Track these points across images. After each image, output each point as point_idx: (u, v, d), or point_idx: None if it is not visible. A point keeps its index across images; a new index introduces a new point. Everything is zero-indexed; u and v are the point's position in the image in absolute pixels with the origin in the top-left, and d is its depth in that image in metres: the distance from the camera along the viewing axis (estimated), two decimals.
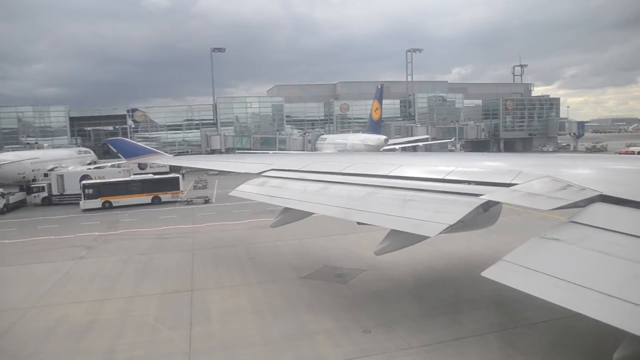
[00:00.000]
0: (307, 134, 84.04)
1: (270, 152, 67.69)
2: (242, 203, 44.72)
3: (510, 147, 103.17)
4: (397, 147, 70.89)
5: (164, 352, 14.61)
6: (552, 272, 8.10)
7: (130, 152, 36.22)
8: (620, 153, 63.58)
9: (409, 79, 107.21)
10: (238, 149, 79.40)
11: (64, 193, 49.46)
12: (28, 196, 50.47)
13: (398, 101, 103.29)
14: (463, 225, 11.83)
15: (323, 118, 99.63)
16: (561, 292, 7.71)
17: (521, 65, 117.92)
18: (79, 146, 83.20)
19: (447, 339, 14.35)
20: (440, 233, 11.17)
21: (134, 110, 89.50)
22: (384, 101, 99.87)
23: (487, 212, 12.27)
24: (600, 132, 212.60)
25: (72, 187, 48.28)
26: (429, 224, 11.48)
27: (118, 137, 66.46)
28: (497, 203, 11.99)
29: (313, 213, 16.48)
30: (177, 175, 49.34)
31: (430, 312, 16.44)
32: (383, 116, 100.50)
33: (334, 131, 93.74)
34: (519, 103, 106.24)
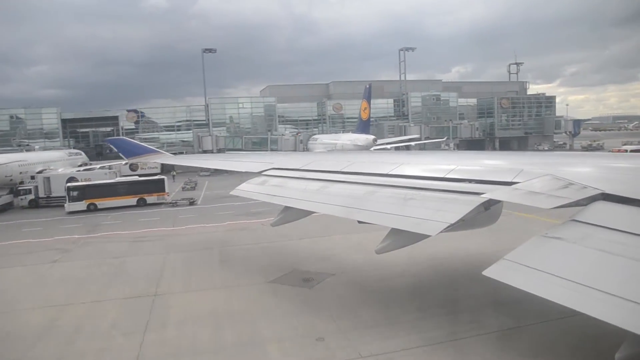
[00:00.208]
0: (299, 134, 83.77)
1: (261, 153, 67.47)
2: (226, 205, 44.80)
3: (505, 146, 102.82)
4: (388, 146, 70.62)
5: None
6: (554, 271, 8.03)
7: (131, 151, 36.19)
8: (612, 151, 63.20)
9: (403, 77, 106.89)
10: (229, 149, 79.19)
11: (51, 195, 49.30)
12: (15, 199, 50.35)
13: (392, 100, 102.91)
14: (464, 224, 11.76)
15: (316, 118, 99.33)
16: (563, 291, 7.65)
17: (517, 63, 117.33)
18: (72, 148, 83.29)
19: (399, 348, 14.02)
20: (441, 232, 11.08)
21: (132, 110, 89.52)
22: (378, 100, 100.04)
23: (488, 211, 12.21)
24: (601, 130, 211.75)
25: (59, 190, 48.04)
26: (429, 223, 11.43)
27: (118, 137, 66.33)
28: (498, 202, 11.94)
29: (314, 212, 16.32)
30: (163, 177, 49.14)
31: (393, 319, 16.11)
32: (377, 116, 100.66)
33: (327, 131, 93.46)
34: (514, 101, 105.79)
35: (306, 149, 78.01)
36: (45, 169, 55.77)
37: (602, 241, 8.34)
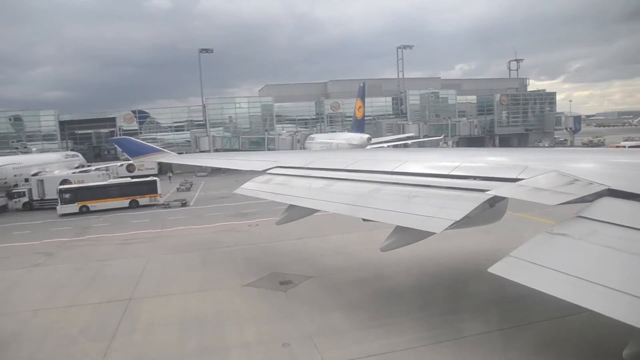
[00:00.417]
0: (296, 134, 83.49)
1: (262, 152, 67.28)
2: (218, 206, 44.69)
3: (505, 143, 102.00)
4: (385, 145, 70.23)
5: None
6: (560, 268, 7.92)
7: (136, 151, 36.07)
8: (610, 148, 62.47)
9: (401, 75, 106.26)
10: (227, 149, 79.05)
11: (45, 198, 49.35)
12: (9, 201, 50.45)
13: (390, 99, 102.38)
14: (469, 221, 11.65)
15: (314, 117, 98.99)
16: (569, 287, 7.52)
17: (517, 60, 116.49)
18: (70, 150, 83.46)
19: (364, 354, 13.74)
20: (446, 229, 10.96)
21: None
22: (376, 99, 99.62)
23: (493, 208, 12.15)
24: (605, 126, 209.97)
25: (53, 192, 47.93)
26: (434, 220, 11.33)
27: (123, 137, 66.35)
28: (503, 198, 11.85)
29: (318, 210, 16.19)
30: (155, 178, 48.96)
31: (363, 324, 15.81)
32: (376, 114, 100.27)
33: (325, 130, 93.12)
34: (514, 98, 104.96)
35: (303, 149, 77.76)
36: (41, 172, 55.84)
37: (608, 237, 8.25)
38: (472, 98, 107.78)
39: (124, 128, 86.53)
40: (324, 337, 14.93)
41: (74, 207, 44.26)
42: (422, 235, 12.18)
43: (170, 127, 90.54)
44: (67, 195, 44.62)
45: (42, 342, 15.92)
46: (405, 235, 12.87)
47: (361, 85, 70.27)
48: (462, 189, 12.22)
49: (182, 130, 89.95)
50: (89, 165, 66.97)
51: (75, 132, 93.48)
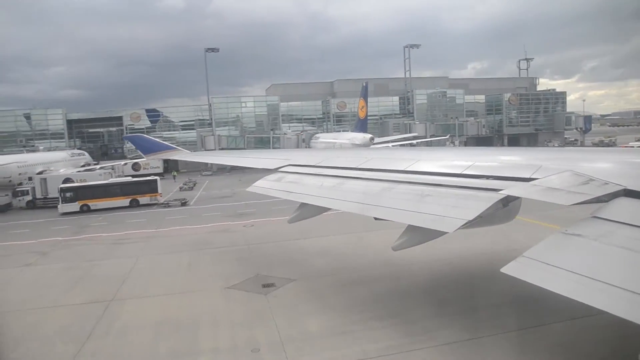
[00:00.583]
0: (301, 133, 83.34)
1: (271, 150, 67.24)
2: (218, 205, 44.77)
3: (514, 143, 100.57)
4: (389, 144, 69.70)
5: None
6: (574, 268, 7.73)
7: (149, 148, 36.04)
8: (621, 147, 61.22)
9: (408, 75, 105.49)
10: (232, 149, 79.20)
11: (48, 196, 49.84)
12: (14, 200, 51.02)
13: (397, 98, 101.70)
14: (481, 220, 11.49)
15: (321, 116, 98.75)
16: (584, 289, 7.35)
17: (527, 59, 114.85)
18: (78, 148, 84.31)
19: None
20: (459, 229, 10.82)
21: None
22: (383, 98, 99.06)
23: (506, 208, 11.97)
24: (619, 126, 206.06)
25: (56, 191, 48.39)
26: (447, 220, 11.20)
27: (137, 134, 66.72)
28: (517, 198, 11.71)
29: (329, 209, 16.24)
30: (156, 177, 49.17)
31: (337, 329, 15.53)
32: (382, 113, 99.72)
33: (331, 129, 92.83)
34: (523, 98, 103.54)
35: (308, 148, 77.63)
36: (45, 170, 56.36)
37: (624, 238, 8.03)
38: (481, 98, 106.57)
39: (134, 126, 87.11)
40: (296, 343, 14.69)
41: (74, 206, 44.62)
42: (434, 234, 12.17)
43: (179, 125, 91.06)
44: (68, 194, 45.01)
45: (17, 344, 15.89)
46: (417, 234, 12.81)
47: (364, 85, 69.88)
48: (475, 188, 12.04)
49: (190, 129, 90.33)
50: (95, 164, 67.48)
51: (83, 130, 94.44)
